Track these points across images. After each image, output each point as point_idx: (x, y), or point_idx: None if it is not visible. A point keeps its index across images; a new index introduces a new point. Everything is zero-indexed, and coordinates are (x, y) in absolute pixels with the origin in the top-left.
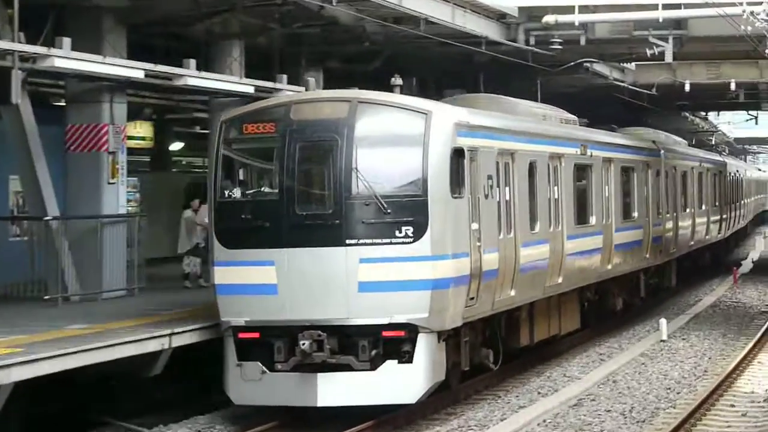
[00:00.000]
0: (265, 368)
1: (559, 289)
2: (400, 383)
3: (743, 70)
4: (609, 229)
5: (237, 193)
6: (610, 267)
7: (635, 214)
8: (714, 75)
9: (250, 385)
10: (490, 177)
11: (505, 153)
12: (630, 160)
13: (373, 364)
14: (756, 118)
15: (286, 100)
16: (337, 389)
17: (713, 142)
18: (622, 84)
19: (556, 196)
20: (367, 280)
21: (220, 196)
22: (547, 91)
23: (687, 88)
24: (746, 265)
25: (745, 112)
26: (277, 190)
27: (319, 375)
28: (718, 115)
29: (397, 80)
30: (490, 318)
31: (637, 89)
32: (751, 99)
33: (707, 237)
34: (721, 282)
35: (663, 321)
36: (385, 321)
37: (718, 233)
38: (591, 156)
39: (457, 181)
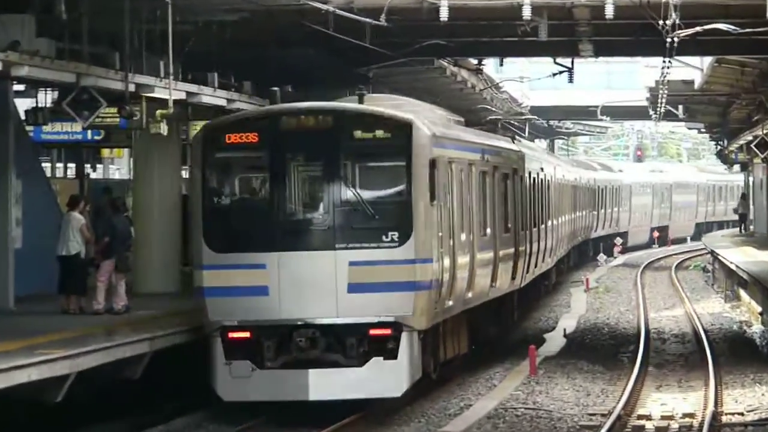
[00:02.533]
0: (254, 366)
1: (470, 303)
2: (385, 378)
3: None
4: (495, 243)
5: (226, 199)
6: (497, 285)
7: (510, 226)
8: None
9: (239, 382)
10: (444, 186)
11: (450, 161)
12: (505, 164)
13: (360, 361)
14: (570, 71)
15: (272, 110)
16: (327, 384)
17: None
18: (324, 7)
19: (470, 205)
20: (355, 281)
21: (209, 203)
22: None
23: (443, 14)
24: (553, 342)
25: (550, 60)
26: (268, 197)
27: (311, 371)
28: (502, 65)
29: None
30: (437, 325)
31: (354, 17)
32: (562, 36)
33: (492, 286)
34: (509, 371)
35: None
36: (373, 320)
37: (510, 281)
38: (487, 162)
39: (433, 190)
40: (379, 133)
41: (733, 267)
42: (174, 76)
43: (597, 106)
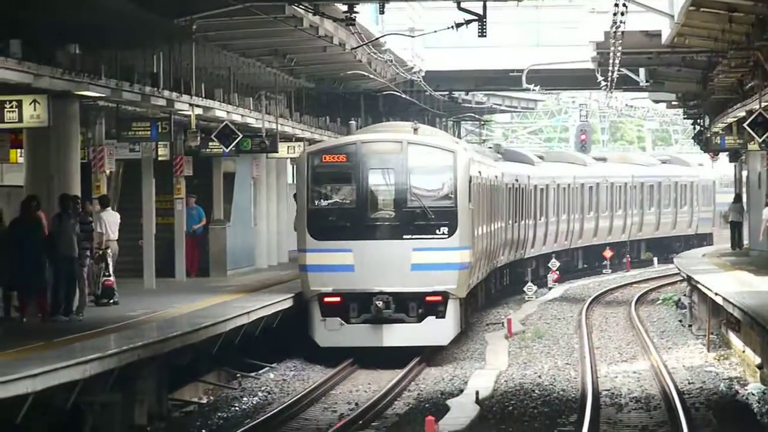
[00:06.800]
0: (342, 321)
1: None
2: (437, 332)
3: None
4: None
5: (324, 202)
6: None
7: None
8: None
9: (332, 333)
10: (472, 192)
11: (474, 177)
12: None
13: (419, 319)
14: (481, 20)
15: (355, 139)
16: (395, 335)
17: None
18: None
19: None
20: (417, 262)
21: (312, 204)
22: None
23: None
24: (460, 410)
25: (452, 4)
26: (354, 201)
27: (384, 325)
28: (383, 13)
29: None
30: (468, 294)
31: None
32: None
33: None
34: None
35: None
36: (429, 290)
37: None
38: (499, 177)
39: (470, 197)
40: (434, 156)
41: (719, 301)
42: None
43: (521, 71)
